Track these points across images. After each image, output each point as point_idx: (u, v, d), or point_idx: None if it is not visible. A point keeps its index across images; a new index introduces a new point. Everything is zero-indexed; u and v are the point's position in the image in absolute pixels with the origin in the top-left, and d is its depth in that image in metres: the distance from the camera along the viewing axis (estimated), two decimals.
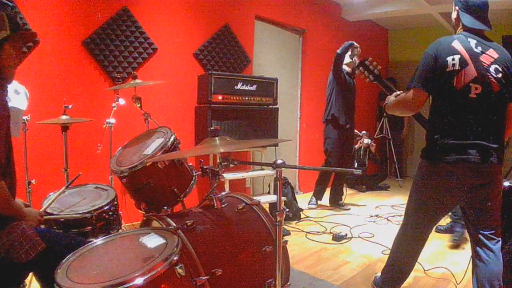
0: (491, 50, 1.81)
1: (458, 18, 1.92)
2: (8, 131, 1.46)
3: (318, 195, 4.61)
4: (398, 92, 2.09)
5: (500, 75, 1.77)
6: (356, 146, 5.47)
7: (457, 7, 1.92)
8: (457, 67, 1.75)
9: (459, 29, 1.93)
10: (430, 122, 1.91)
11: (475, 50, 1.79)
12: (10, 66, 1.52)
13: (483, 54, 1.78)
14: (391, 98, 2.10)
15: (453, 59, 1.76)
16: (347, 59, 4.25)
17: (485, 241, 1.85)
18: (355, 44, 4.16)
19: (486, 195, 1.83)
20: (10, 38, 1.49)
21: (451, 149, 1.78)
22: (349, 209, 4.51)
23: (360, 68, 2.30)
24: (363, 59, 2.30)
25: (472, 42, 1.81)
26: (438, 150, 1.82)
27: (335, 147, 4.33)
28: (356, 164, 5.46)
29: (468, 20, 1.86)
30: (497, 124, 1.82)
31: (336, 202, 4.62)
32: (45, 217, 1.70)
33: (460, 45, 1.79)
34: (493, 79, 1.76)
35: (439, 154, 1.82)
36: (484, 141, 1.76)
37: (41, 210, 1.75)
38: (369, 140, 5.48)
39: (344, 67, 4.27)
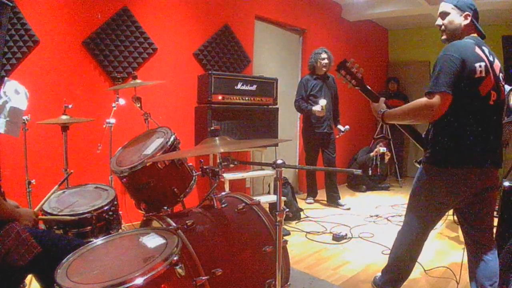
0: (495, 59, 1.85)
1: (471, 24, 1.85)
2: None
3: (310, 192, 4.84)
4: (384, 98, 2.02)
5: (503, 82, 1.85)
6: (372, 154, 5.51)
7: (469, 14, 1.84)
8: (483, 74, 1.73)
9: (468, 35, 1.85)
10: (443, 127, 1.82)
11: (490, 58, 1.80)
12: None
13: (494, 62, 1.82)
14: (381, 105, 1.99)
15: (480, 66, 1.72)
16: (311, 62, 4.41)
17: (485, 241, 1.87)
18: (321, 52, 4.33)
19: (489, 197, 1.87)
20: None
21: (467, 155, 1.76)
22: (349, 208, 4.51)
23: (341, 71, 2.03)
24: (343, 60, 2.02)
25: (485, 50, 1.81)
26: (451, 155, 1.79)
27: (307, 147, 4.61)
28: (370, 171, 5.59)
29: (479, 28, 1.87)
30: (501, 129, 1.88)
31: (334, 201, 4.63)
32: (39, 217, 1.69)
33: (481, 52, 1.76)
34: (502, 87, 1.83)
35: (452, 159, 1.79)
36: (496, 146, 1.81)
37: (35, 209, 1.75)
38: (385, 149, 5.55)
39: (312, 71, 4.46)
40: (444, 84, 1.68)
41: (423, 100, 1.74)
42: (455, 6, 1.86)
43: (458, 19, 1.86)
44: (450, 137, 1.79)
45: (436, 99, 1.69)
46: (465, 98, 1.73)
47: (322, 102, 4.24)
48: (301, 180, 5.40)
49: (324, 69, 4.36)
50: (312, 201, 4.77)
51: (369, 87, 2.03)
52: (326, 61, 4.31)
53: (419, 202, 2.00)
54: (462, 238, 3.32)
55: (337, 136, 4.55)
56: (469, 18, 1.84)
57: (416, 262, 2.16)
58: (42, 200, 1.92)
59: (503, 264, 1.90)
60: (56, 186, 2.03)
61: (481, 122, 1.76)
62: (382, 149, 5.53)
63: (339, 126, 4.54)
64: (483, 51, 1.78)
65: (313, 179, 4.81)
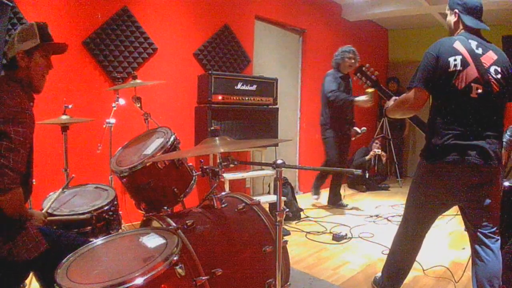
0: (490, 51, 1.84)
1: (458, 20, 1.93)
2: (32, 141, 1.49)
3: (316, 189, 4.71)
4: (396, 97, 2.09)
5: (499, 76, 1.80)
6: (367, 157, 5.53)
7: (456, 10, 1.93)
8: (458, 67, 1.77)
9: (458, 31, 1.94)
10: (430, 122, 1.92)
11: (476, 51, 1.81)
12: (39, 75, 1.57)
13: (484, 55, 1.81)
14: (390, 102, 2.11)
15: (455, 60, 1.78)
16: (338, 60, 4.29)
17: (485, 240, 1.86)
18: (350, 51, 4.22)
19: (485, 194, 1.84)
20: (40, 47, 1.54)
21: (452, 149, 1.79)
22: (347, 205, 4.53)
23: (358, 74, 2.32)
24: (360, 66, 2.33)
25: (473, 43, 1.83)
26: (438, 150, 1.83)
27: (334, 149, 4.32)
28: (367, 174, 5.57)
29: (469, 20, 1.89)
30: (497, 124, 1.84)
31: (335, 203, 4.62)
32: (48, 218, 1.70)
33: (461, 46, 1.81)
34: (493, 80, 1.79)
35: (439, 154, 1.83)
36: (485, 142, 1.77)
37: (43, 211, 1.76)
38: (379, 150, 5.59)
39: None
40: (419, 79, 1.83)
41: (403, 95, 1.93)
42: (448, 6, 1.99)
43: (450, 18, 1.99)
44: (434, 132, 1.85)
45: (411, 93, 1.86)
46: (443, 92, 1.81)
47: (370, 90, 4.12)
48: (301, 180, 5.41)
49: (350, 68, 4.23)
50: (318, 197, 4.67)
51: (384, 87, 2.27)
52: (352, 61, 4.18)
53: (414, 197, 2.04)
54: (461, 238, 3.34)
55: (353, 138, 4.48)
56: (456, 15, 1.93)
57: (416, 262, 2.17)
58: (43, 200, 1.93)
59: (503, 264, 1.89)
60: (61, 190, 2.05)
61: (463, 117, 1.78)
62: (377, 151, 5.57)
63: (356, 128, 4.44)
64: (469, 44, 1.81)
65: (324, 180, 4.69)
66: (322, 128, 4.37)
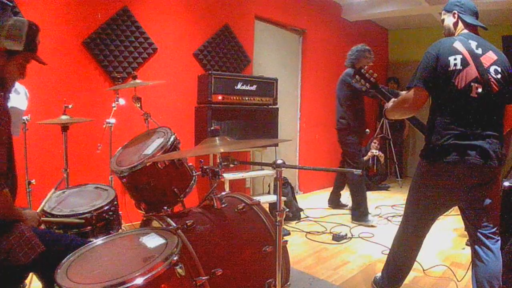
0: (490, 51, 1.84)
1: (458, 21, 1.95)
2: (9, 135, 1.46)
3: (365, 211, 3.98)
4: (395, 99, 2.10)
5: (499, 76, 1.81)
6: (365, 158, 5.53)
7: (455, 11, 1.95)
8: (458, 66, 1.78)
9: (458, 31, 1.95)
10: (430, 122, 1.92)
11: (476, 51, 1.82)
12: (10, 78, 1.52)
13: (483, 55, 1.82)
14: (389, 104, 2.11)
15: (455, 59, 1.78)
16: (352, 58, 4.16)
17: (484, 240, 1.86)
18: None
19: (485, 194, 1.84)
20: (20, 54, 1.50)
21: (452, 149, 1.79)
22: (348, 205, 4.51)
23: (356, 76, 2.32)
24: (359, 67, 2.33)
25: (473, 43, 1.84)
26: (438, 150, 1.83)
27: (361, 156, 4.25)
28: (365, 173, 5.55)
29: (470, 19, 1.91)
30: (497, 124, 1.84)
31: (338, 203, 4.61)
32: (43, 218, 1.70)
33: (461, 46, 1.82)
34: (493, 80, 1.79)
35: (439, 154, 1.83)
36: (484, 142, 1.77)
37: (37, 210, 1.75)
38: (377, 151, 5.62)
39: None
40: (418, 79, 1.83)
41: (404, 95, 1.93)
42: (445, 10, 2.01)
43: (449, 20, 1.99)
44: (434, 131, 1.86)
45: (411, 93, 1.86)
46: (443, 92, 1.81)
47: (376, 152, 4.03)
48: (301, 180, 5.41)
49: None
50: (375, 220, 4.00)
51: (383, 90, 2.26)
52: (368, 60, 3.94)
53: (414, 197, 2.04)
54: (462, 238, 3.34)
55: (364, 158, 4.45)
56: (456, 16, 1.95)
57: (416, 262, 2.17)
58: (42, 202, 1.93)
59: (503, 265, 1.89)
60: (53, 190, 2.05)
61: (462, 116, 1.79)
62: (375, 151, 5.60)
63: None
64: (468, 44, 1.82)
65: (340, 193, 4.50)
66: (341, 134, 3.98)
